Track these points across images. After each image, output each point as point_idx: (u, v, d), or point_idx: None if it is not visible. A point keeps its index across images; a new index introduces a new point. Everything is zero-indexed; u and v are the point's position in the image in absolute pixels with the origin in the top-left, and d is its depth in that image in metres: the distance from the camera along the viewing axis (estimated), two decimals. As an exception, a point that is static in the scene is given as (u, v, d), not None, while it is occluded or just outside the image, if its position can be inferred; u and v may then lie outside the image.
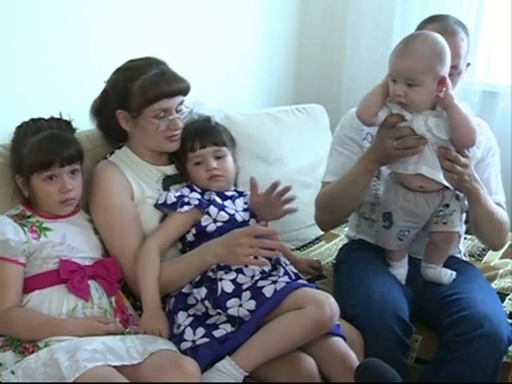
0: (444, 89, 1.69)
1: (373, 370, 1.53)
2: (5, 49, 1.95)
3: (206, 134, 1.86)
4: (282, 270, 1.75)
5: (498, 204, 1.98)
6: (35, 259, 1.65)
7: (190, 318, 1.67)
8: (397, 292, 1.83)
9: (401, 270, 1.94)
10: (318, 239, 2.61)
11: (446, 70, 1.70)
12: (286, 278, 1.69)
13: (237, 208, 1.84)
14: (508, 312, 1.97)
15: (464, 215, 1.95)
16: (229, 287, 1.65)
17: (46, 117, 1.76)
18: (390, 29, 2.89)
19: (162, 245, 1.77)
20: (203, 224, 1.79)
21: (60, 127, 1.73)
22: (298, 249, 2.50)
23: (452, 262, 1.99)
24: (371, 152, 1.85)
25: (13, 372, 1.49)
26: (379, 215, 1.96)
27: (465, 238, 2.40)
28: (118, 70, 1.85)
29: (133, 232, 1.78)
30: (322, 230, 2.26)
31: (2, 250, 1.61)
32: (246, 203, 1.89)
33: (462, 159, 1.75)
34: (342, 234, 2.54)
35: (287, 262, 1.82)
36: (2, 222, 1.65)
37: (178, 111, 1.83)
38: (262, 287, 1.64)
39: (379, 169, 1.93)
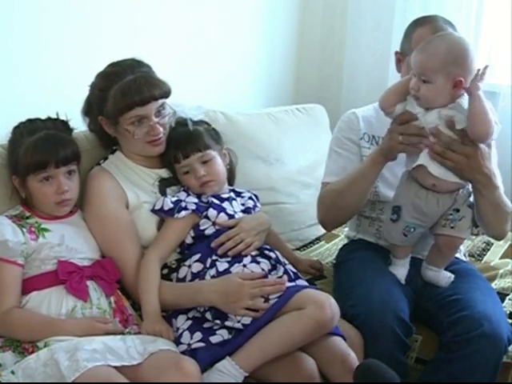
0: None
1: (372, 371, 1.53)
2: (5, 49, 1.95)
3: (186, 142, 1.83)
4: (282, 269, 1.75)
5: None
6: (34, 260, 1.65)
7: (189, 322, 1.68)
8: (397, 292, 1.83)
9: (401, 270, 1.93)
10: (318, 239, 2.61)
11: (464, 74, 1.70)
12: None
13: (235, 209, 1.84)
14: (508, 312, 1.97)
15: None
16: None
17: (44, 117, 1.75)
18: (390, 29, 2.89)
19: (162, 255, 1.77)
20: (202, 228, 1.79)
21: (56, 127, 1.73)
22: (298, 249, 2.50)
23: (452, 262, 1.99)
24: (380, 145, 1.89)
25: (13, 372, 1.49)
26: (380, 213, 1.99)
27: (464, 238, 2.40)
28: (97, 76, 1.84)
29: (128, 242, 1.78)
30: (326, 229, 2.24)
31: (0, 250, 1.61)
32: (243, 204, 1.89)
33: (464, 148, 1.74)
34: (342, 234, 2.54)
35: (286, 262, 1.82)
36: (0, 222, 1.65)
37: (159, 114, 1.80)
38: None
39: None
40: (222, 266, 1.72)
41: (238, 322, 1.62)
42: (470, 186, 1.85)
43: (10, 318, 1.58)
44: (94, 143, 1.94)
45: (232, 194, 1.89)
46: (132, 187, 1.84)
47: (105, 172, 1.84)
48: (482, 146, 1.77)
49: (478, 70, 1.70)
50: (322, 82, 3.27)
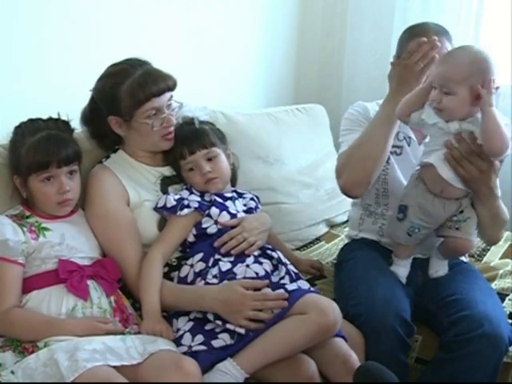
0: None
1: (371, 373, 1.53)
2: (6, 49, 1.95)
3: (192, 139, 1.84)
4: (284, 270, 1.75)
5: None
6: (34, 259, 1.65)
7: (191, 323, 1.67)
8: (399, 292, 1.83)
9: (402, 269, 1.94)
10: (317, 239, 2.61)
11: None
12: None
13: (237, 209, 1.85)
14: (508, 312, 1.97)
15: None
16: None
17: (45, 117, 1.75)
18: (390, 29, 2.89)
19: (165, 253, 1.77)
20: (204, 226, 1.79)
21: (58, 128, 1.73)
22: (298, 249, 2.50)
23: (452, 263, 1.99)
24: (393, 78, 1.93)
25: (13, 372, 1.49)
26: (385, 208, 2.00)
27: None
28: (102, 77, 1.84)
29: (129, 240, 1.78)
30: (351, 194, 2.06)
31: (0, 250, 1.61)
32: (245, 205, 1.89)
33: (480, 162, 1.74)
34: (343, 235, 2.54)
35: (287, 262, 1.82)
36: (1, 222, 1.65)
37: (168, 108, 1.83)
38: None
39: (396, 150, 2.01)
40: (225, 265, 1.72)
41: (240, 326, 1.61)
42: None
43: (10, 318, 1.58)
44: (94, 143, 1.93)
45: (234, 194, 1.89)
46: (134, 185, 1.84)
47: (106, 170, 1.84)
48: (496, 161, 1.78)
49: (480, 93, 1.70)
50: (322, 82, 3.27)
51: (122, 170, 1.85)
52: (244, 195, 1.93)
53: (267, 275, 1.72)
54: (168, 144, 1.86)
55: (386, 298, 1.76)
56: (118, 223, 1.78)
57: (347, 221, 2.29)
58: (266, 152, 2.55)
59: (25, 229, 1.65)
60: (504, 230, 1.97)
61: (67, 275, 1.64)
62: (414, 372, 1.83)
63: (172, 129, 1.84)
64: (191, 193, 1.83)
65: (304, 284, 1.74)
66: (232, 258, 1.74)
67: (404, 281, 1.93)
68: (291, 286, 1.68)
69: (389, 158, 2.01)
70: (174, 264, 1.82)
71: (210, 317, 1.65)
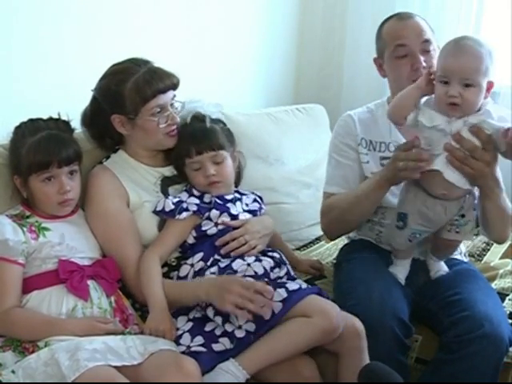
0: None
1: (376, 373, 1.53)
2: (5, 48, 1.94)
3: (201, 138, 1.82)
4: (285, 269, 1.76)
5: None
6: (34, 259, 1.65)
7: (190, 324, 1.67)
8: (396, 292, 1.83)
9: (402, 270, 1.94)
10: (318, 239, 2.61)
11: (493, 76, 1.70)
12: (284, 293, 1.63)
13: (238, 210, 1.84)
14: (508, 312, 1.97)
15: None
16: None
17: (45, 117, 1.75)
18: (390, 29, 2.89)
19: (162, 255, 1.76)
20: (204, 228, 1.79)
21: (58, 128, 1.73)
22: (297, 249, 2.50)
23: (452, 263, 1.99)
24: (384, 169, 1.87)
25: (13, 371, 1.49)
26: (382, 217, 1.99)
27: (465, 239, 2.40)
28: (105, 76, 1.84)
29: (129, 240, 1.78)
30: (329, 238, 2.24)
31: (0, 250, 1.61)
32: (247, 205, 1.88)
33: (485, 155, 1.70)
34: (343, 235, 2.54)
35: (287, 262, 1.82)
36: (1, 222, 1.65)
37: (172, 106, 1.83)
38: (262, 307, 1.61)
39: None
40: (224, 263, 1.72)
41: (240, 327, 1.60)
42: (475, 191, 1.82)
43: (10, 318, 1.58)
44: (95, 144, 1.93)
45: (236, 195, 1.88)
46: (134, 186, 1.83)
47: (106, 170, 1.84)
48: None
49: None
50: (322, 82, 3.27)
51: (122, 170, 1.85)
52: (247, 196, 1.92)
53: (266, 273, 1.71)
54: (172, 141, 1.85)
55: (383, 299, 1.76)
56: (118, 223, 1.78)
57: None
58: (266, 152, 2.55)
59: (25, 229, 1.65)
60: (510, 227, 1.95)
61: (67, 275, 1.63)
62: (414, 372, 1.83)
63: (175, 126, 1.84)
64: (190, 195, 1.82)
65: (303, 285, 1.74)
66: (231, 259, 1.74)
67: (403, 282, 1.92)
68: (292, 286, 1.66)
69: None
70: (174, 264, 1.82)
71: (210, 313, 1.64)
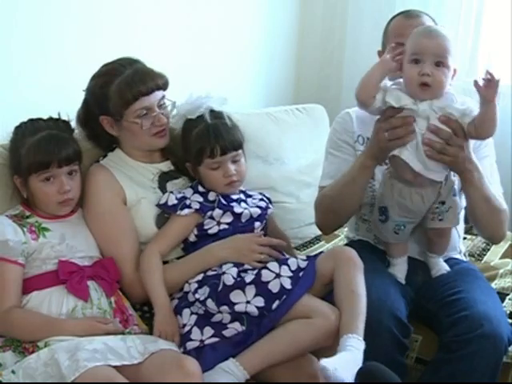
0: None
1: (374, 374, 1.53)
2: (5, 48, 1.95)
3: (226, 138, 1.77)
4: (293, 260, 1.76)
5: None
6: (34, 260, 1.65)
7: (194, 317, 1.66)
8: (394, 292, 1.83)
9: (400, 269, 1.94)
10: (317, 239, 2.61)
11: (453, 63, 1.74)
12: (287, 272, 1.66)
13: (242, 208, 1.80)
14: (508, 312, 1.97)
15: (463, 213, 1.95)
16: (230, 280, 1.64)
17: (45, 117, 1.75)
18: (390, 29, 2.89)
19: (162, 250, 1.76)
20: (206, 227, 1.77)
21: (58, 127, 1.73)
22: (297, 248, 2.50)
23: (452, 263, 1.99)
24: (368, 148, 1.86)
25: (13, 372, 1.49)
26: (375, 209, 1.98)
27: (464, 238, 2.40)
28: (93, 77, 1.83)
29: (127, 237, 1.78)
30: (324, 233, 2.24)
31: (1, 250, 1.61)
32: (253, 203, 1.84)
33: (458, 140, 1.72)
34: (342, 235, 2.54)
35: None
36: (1, 222, 1.65)
37: (160, 107, 1.81)
38: (267, 282, 1.62)
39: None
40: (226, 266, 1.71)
41: (248, 302, 1.60)
42: (453, 177, 1.83)
43: (10, 318, 1.58)
44: (92, 144, 1.93)
45: (242, 196, 1.86)
46: (130, 183, 1.83)
47: (102, 169, 1.84)
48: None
49: (489, 75, 1.69)
50: (322, 82, 3.27)
51: (118, 168, 1.85)
52: (253, 196, 1.89)
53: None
54: (162, 141, 1.84)
55: (381, 299, 1.76)
56: (115, 221, 1.78)
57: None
58: (266, 152, 2.55)
59: (25, 229, 1.65)
60: (505, 226, 1.94)
61: (67, 276, 1.63)
62: (414, 372, 1.83)
63: (164, 127, 1.82)
64: (195, 192, 1.79)
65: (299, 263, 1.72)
66: None
67: (403, 281, 1.93)
68: (287, 284, 1.64)
69: (373, 174, 1.97)
70: None
71: (211, 304, 1.62)
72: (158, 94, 1.80)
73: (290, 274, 1.65)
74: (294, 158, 2.63)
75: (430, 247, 1.95)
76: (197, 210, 1.76)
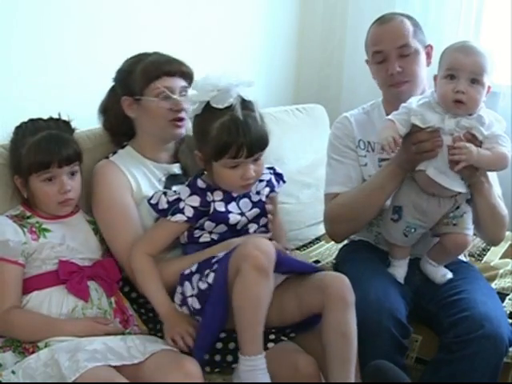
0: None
1: (382, 371, 1.52)
2: (5, 48, 1.94)
3: (254, 137, 1.60)
4: None
5: None
6: (34, 260, 1.65)
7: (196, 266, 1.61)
8: (393, 293, 1.83)
9: (400, 270, 1.94)
10: (317, 239, 2.61)
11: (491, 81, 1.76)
12: None
13: (242, 210, 1.70)
14: (508, 312, 1.97)
15: None
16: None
17: (46, 117, 1.75)
18: (390, 29, 2.89)
19: (150, 253, 1.68)
20: (196, 235, 1.70)
21: (59, 127, 1.73)
22: (297, 249, 2.50)
23: (452, 263, 1.99)
24: (396, 158, 1.86)
25: (13, 372, 1.49)
26: (380, 218, 1.98)
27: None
28: (125, 60, 1.87)
29: (134, 229, 1.76)
30: (336, 241, 2.19)
31: (1, 250, 1.61)
32: (252, 202, 1.73)
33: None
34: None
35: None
36: (1, 222, 1.65)
37: (181, 95, 1.81)
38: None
39: None
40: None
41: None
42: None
43: (10, 318, 1.58)
44: (95, 142, 1.94)
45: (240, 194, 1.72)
46: (137, 180, 1.82)
47: (111, 164, 1.83)
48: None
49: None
50: (322, 82, 3.27)
51: (127, 165, 1.83)
52: (259, 182, 1.73)
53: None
54: (177, 132, 1.82)
55: (380, 300, 1.76)
56: (124, 213, 1.77)
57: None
58: (266, 152, 2.53)
59: (25, 229, 1.65)
60: (505, 229, 1.97)
61: (67, 276, 1.64)
62: (414, 372, 1.83)
63: (182, 115, 1.80)
64: (192, 193, 1.65)
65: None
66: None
67: (402, 281, 1.92)
68: None
69: None
70: None
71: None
72: (181, 81, 1.82)
73: None
74: (293, 159, 2.62)
75: (435, 255, 1.93)
76: (188, 220, 1.63)
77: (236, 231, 1.70)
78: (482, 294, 1.85)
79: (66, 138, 1.71)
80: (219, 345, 1.67)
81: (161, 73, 1.79)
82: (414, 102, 1.80)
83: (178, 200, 1.65)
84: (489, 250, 2.48)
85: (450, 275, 1.92)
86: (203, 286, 1.56)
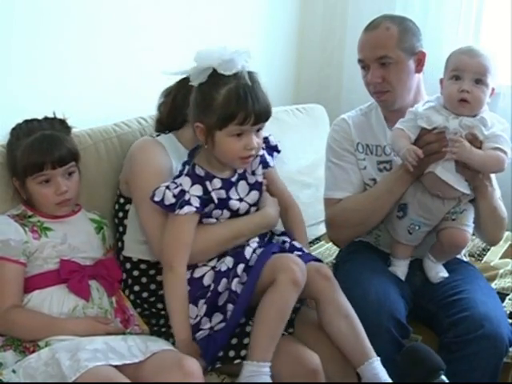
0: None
1: (418, 353, 1.50)
2: (4, 49, 1.94)
3: (262, 106, 1.58)
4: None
5: None
6: (36, 259, 1.64)
7: (204, 306, 1.61)
8: (393, 293, 1.83)
9: (401, 269, 1.94)
10: (318, 239, 2.61)
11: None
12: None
13: (240, 195, 1.69)
14: (508, 312, 1.98)
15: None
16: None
17: (41, 117, 1.74)
18: (390, 29, 2.89)
19: (186, 258, 1.62)
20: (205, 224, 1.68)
21: (53, 127, 1.71)
22: (298, 249, 2.50)
23: (452, 262, 2.00)
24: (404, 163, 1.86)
25: (14, 371, 1.49)
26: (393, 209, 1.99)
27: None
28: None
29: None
30: (339, 246, 2.20)
31: (2, 249, 1.61)
32: (249, 184, 1.72)
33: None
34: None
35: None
36: (2, 221, 1.65)
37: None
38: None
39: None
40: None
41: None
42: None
43: (11, 317, 1.58)
44: (95, 139, 1.94)
45: (239, 171, 1.69)
46: (175, 169, 1.74)
47: (159, 146, 1.76)
48: None
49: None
50: (322, 82, 3.27)
51: (170, 149, 1.77)
52: (247, 176, 1.71)
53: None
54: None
55: (379, 300, 1.76)
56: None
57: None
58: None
59: (27, 228, 1.65)
60: (504, 230, 1.98)
61: (68, 275, 1.64)
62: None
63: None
64: (193, 182, 1.61)
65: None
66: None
67: (403, 278, 1.93)
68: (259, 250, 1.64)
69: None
70: None
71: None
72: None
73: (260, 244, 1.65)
74: (293, 159, 2.62)
75: (434, 252, 1.94)
76: (197, 210, 1.60)
77: (239, 216, 1.70)
78: (481, 294, 1.85)
79: (60, 138, 1.68)
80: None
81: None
82: (419, 106, 1.84)
83: (183, 192, 1.60)
84: (489, 250, 2.48)
85: (444, 274, 1.93)
86: (235, 288, 1.59)
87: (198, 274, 1.65)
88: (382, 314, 1.73)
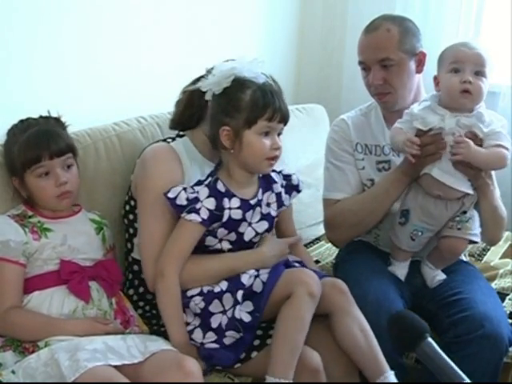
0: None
1: (405, 320, 1.49)
2: (4, 49, 1.94)
3: (285, 109, 1.63)
4: None
5: None
6: (36, 260, 1.64)
7: (198, 319, 1.64)
8: (392, 293, 1.83)
9: (401, 270, 1.94)
10: (318, 239, 2.61)
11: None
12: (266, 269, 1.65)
13: (252, 220, 1.69)
14: (508, 312, 1.97)
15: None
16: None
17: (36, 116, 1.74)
18: (390, 29, 2.89)
19: (180, 263, 1.64)
20: (206, 244, 1.68)
21: (48, 124, 1.71)
22: (298, 249, 2.50)
23: (452, 263, 1.99)
24: (402, 164, 1.88)
25: (13, 372, 1.49)
26: (380, 221, 1.99)
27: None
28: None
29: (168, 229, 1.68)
30: (337, 246, 2.21)
31: (2, 250, 1.61)
32: (268, 205, 1.73)
33: None
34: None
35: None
36: (2, 222, 1.65)
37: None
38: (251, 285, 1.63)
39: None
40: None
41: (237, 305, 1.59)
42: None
43: (11, 318, 1.58)
44: (94, 138, 1.94)
45: (259, 196, 1.70)
46: (187, 177, 1.75)
47: (172, 154, 1.75)
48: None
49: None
50: (322, 82, 3.27)
51: (184, 156, 1.75)
52: (271, 191, 1.73)
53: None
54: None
55: (379, 300, 1.77)
56: (164, 211, 1.67)
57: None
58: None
59: (27, 229, 1.65)
60: (504, 230, 1.98)
61: (68, 276, 1.63)
62: (414, 372, 1.83)
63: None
64: (210, 195, 1.62)
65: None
66: None
67: (403, 278, 1.93)
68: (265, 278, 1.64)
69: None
70: None
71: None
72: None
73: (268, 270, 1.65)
74: (294, 159, 2.62)
75: (433, 259, 1.94)
76: (202, 222, 1.61)
77: (244, 242, 1.70)
78: (481, 294, 1.85)
79: (55, 131, 1.69)
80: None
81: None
82: (415, 107, 1.83)
83: (196, 200, 1.62)
84: (489, 249, 2.48)
85: (441, 277, 1.93)
86: (239, 315, 1.59)
87: (189, 293, 1.67)
88: (381, 315, 1.72)
